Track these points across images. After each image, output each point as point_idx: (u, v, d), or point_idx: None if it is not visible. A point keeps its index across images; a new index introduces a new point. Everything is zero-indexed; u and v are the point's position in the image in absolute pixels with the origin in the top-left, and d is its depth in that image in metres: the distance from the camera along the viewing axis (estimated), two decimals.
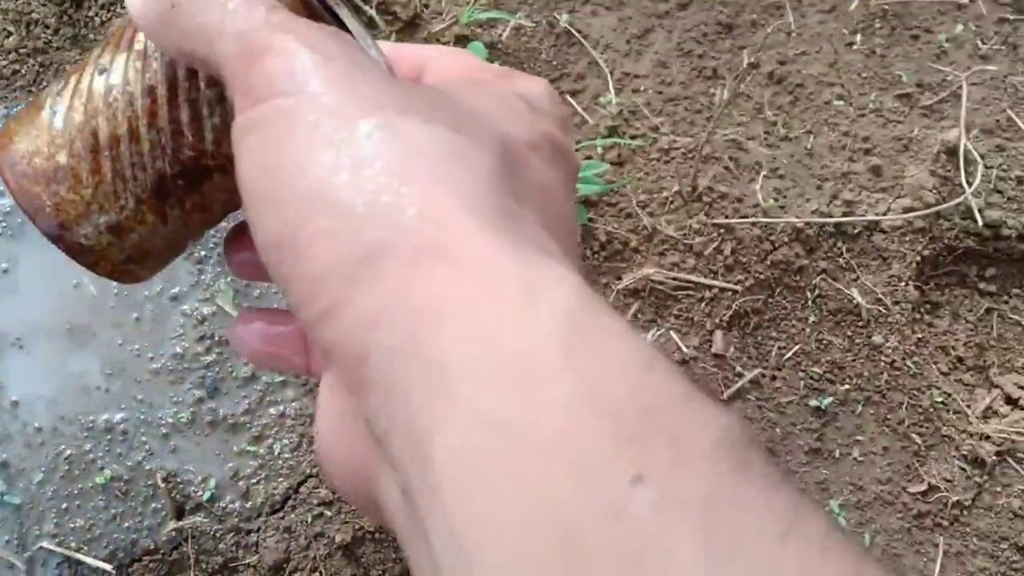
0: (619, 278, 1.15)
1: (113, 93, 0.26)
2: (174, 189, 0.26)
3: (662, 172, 1.21)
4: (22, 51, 1.22)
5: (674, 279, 1.18)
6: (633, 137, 1.24)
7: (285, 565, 1.07)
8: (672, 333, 1.17)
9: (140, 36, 0.26)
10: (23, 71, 1.22)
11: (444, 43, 1.29)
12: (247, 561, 1.07)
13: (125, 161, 0.26)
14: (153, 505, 1.07)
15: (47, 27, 1.24)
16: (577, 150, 1.19)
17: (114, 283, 1.21)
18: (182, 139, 0.26)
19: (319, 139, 0.21)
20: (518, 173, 0.23)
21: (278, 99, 0.22)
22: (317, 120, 0.21)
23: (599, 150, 1.22)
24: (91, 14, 1.25)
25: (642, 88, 1.29)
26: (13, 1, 1.24)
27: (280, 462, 1.11)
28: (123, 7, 1.26)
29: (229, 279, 1.17)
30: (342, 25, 0.28)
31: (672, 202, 1.20)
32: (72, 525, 1.05)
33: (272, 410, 1.13)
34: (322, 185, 0.21)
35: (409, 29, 1.29)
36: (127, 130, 0.26)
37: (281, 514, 1.09)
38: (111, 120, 0.26)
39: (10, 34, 1.23)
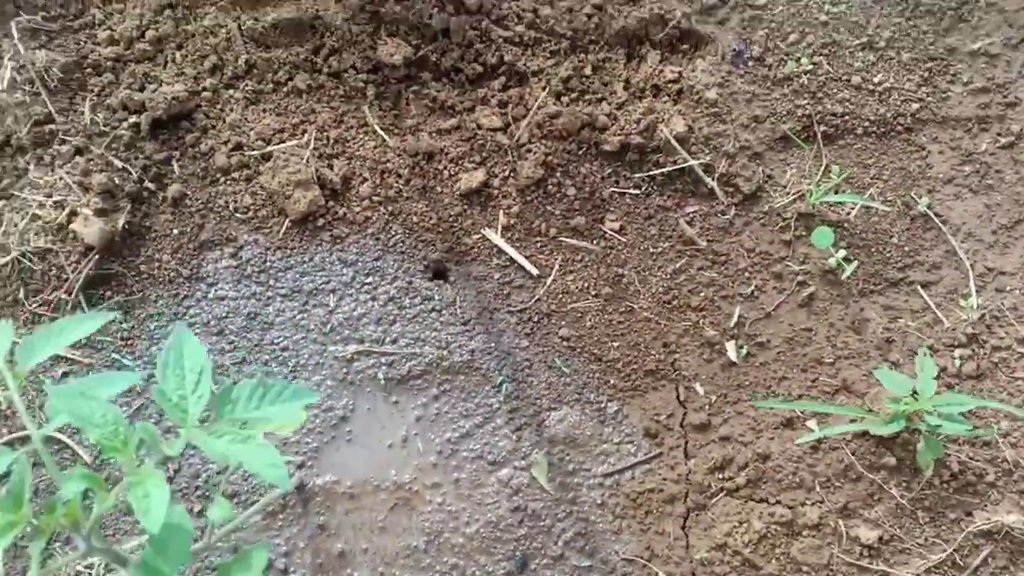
0: (969, 514, 1.04)
1: None
2: None
3: None
4: (375, 199, 1.28)
5: None
6: (995, 348, 1.11)
7: None
8: None
9: None
10: (374, 218, 1.28)
11: (786, 220, 1.23)
12: None
13: None
14: None
15: (399, 176, 1.29)
16: (930, 354, 1.09)
17: (437, 439, 1.24)
18: None
19: None
20: None
21: None
22: None
23: (956, 361, 1.10)
24: (440, 167, 1.29)
25: (1008, 288, 1.16)
26: (372, 151, 1.30)
27: None
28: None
29: (545, 450, 1.17)
30: None
31: None
32: None
33: None
34: None
35: (749, 203, 1.24)
36: None
37: None
38: None
39: (365, 180, 1.29)
